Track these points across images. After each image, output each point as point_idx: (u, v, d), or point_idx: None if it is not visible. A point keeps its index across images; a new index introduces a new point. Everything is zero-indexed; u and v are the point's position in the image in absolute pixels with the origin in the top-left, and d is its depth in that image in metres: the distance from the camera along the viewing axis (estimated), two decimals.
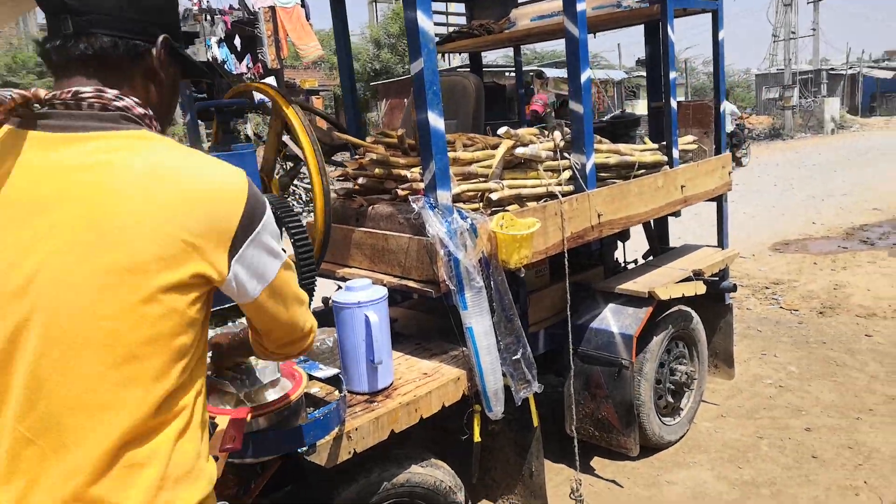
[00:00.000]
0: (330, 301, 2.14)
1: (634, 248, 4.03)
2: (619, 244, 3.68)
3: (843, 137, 21.10)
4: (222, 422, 1.50)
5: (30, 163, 0.94)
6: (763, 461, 3.17)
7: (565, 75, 2.78)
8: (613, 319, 2.92)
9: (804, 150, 18.96)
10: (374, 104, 20.55)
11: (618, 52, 28.31)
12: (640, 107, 17.88)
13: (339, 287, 2.12)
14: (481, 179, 2.37)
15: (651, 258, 3.77)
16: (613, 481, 3.07)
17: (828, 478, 2.98)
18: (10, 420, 0.92)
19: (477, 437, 2.16)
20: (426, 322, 2.66)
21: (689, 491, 2.97)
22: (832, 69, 30.46)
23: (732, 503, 2.87)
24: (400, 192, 2.26)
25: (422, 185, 2.20)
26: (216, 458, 1.28)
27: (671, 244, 3.98)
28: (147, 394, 0.95)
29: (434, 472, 2.12)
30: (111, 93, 0.98)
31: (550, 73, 15.84)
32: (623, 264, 3.86)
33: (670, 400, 3.26)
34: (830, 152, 17.64)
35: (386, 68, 21.93)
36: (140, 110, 1.00)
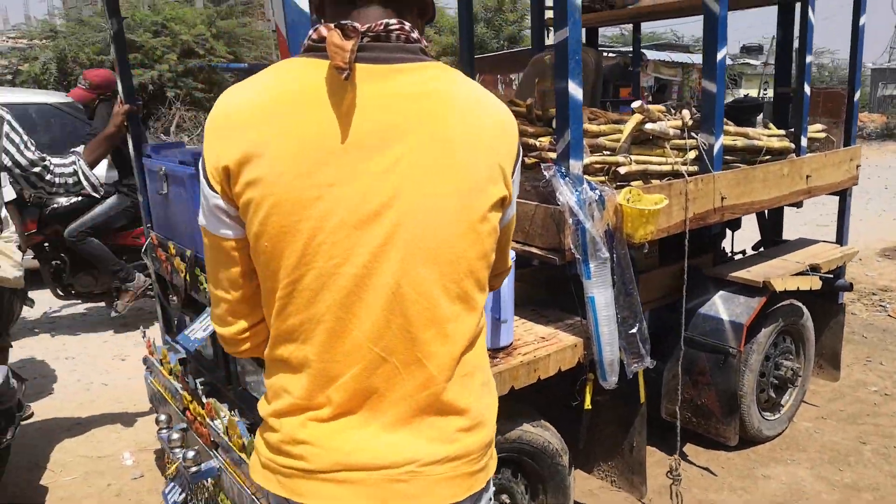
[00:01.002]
0: None
1: (742, 239, 3.93)
2: (728, 233, 3.60)
3: None
4: None
5: (367, 93, 0.96)
6: (865, 466, 3.07)
7: (665, 58, 2.73)
8: (723, 307, 2.88)
9: None
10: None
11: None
12: (742, 93, 17.10)
13: None
14: (607, 153, 2.38)
15: (762, 249, 3.66)
16: (707, 469, 3.04)
17: None
18: (364, 342, 0.99)
19: (588, 405, 2.21)
20: (534, 293, 2.70)
21: (786, 487, 2.92)
22: None
23: None
24: (527, 160, 2.29)
25: (551, 154, 2.23)
26: None
27: (784, 237, 3.85)
28: (477, 306, 1.06)
29: (543, 433, 2.18)
30: (407, 25, 1.00)
31: (650, 55, 15.40)
32: (730, 253, 3.77)
33: (772, 395, 3.19)
34: None
35: (481, 42, 21.81)
36: (425, 43, 1.04)
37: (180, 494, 2.35)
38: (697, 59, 21.87)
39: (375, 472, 1.01)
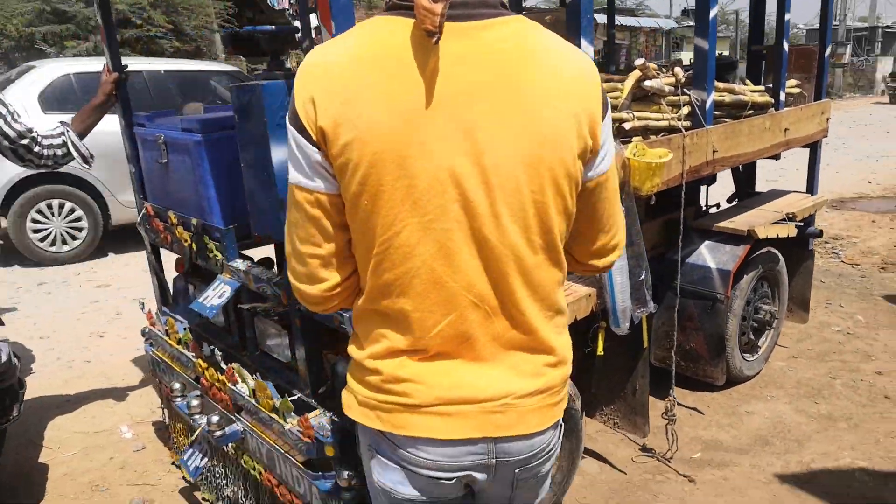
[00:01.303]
0: None
1: (715, 193, 4.09)
2: (702, 187, 3.75)
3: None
4: None
5: (453, 52, 0.99)
6: (838, 398, 3.30)
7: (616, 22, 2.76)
8: (710, 256, 3.03)
9: (854, 110, 18.50)
10: None
11: (668, 2, 27.50)
12: (686, 57, 17.46)
13: None
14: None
15: (736, 201, 3.83)
16: (695, 409, 3.22)
17: None
18: (458, 291, 1.05)
19: (600, 351, 2.31)
20: None
21: (769, 421, 3.12)
22: (888, 27, 29.28)
23: (812, 433, 3.01)
24: None
25: None
26: None
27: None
28: (559, 256, 1.11)
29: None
30: None
31: (599, 19, 15.50)
32: (704, 207, 3.93)
33: (751, 337, 3.38)
34: (882, 113, 17.20)
35: None
36: None
37: (202, 459, 2.36)
38: (644, 21, 22.13)
39: (474, 405, 1.09)
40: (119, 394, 3.55)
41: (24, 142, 2.50)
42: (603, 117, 1.09)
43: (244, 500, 2.36)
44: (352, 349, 1.18)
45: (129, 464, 2.95)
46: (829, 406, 3.24)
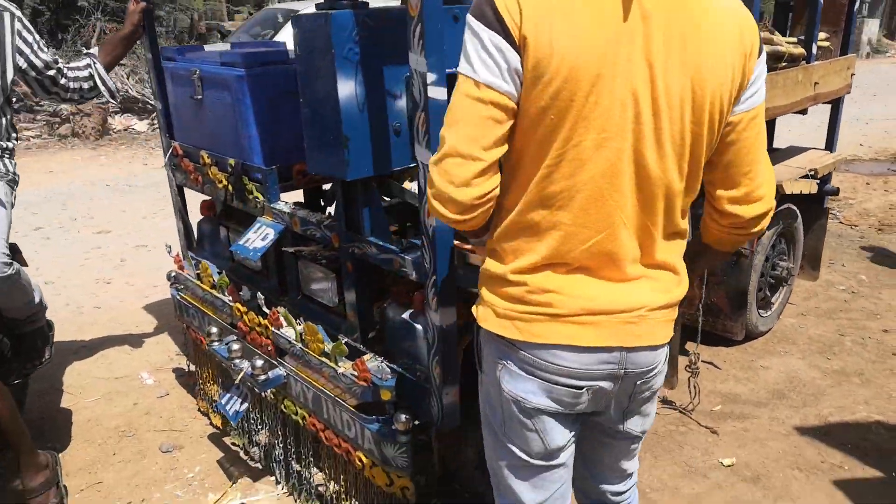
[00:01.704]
0: None
1: None
2: None
3: (877, 63, 20.58)
4: None
5: None
6: (848, 355, 3.38)
7: None
8: None
9: None
10: None
11: None
12: None
13: None
14: None
15: None
16: (712, 363, 3.28)
17: None
18: (613, 210, 1.12)
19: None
20: None
21: (784, 375, 3.19)
22: None
23: (826, 388, 3.09)
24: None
25: None
26: None
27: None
28: (694, 185, 1.19)
29: None
30: None
31: None
32: None
33: (767, 293, 3.43)
34: (868, 76, 17.28)
35: None
36: None
37: (241, 404, 2.35)
38: None
39: (613, 315, 1.17)
40: (134, 340, 3.50)
41: (51, 73, 2.39)
42: (759, 53, 1.14)
43: (280, 445, 2.36)
44: (491, 264, 1.23)
45: (153, 410, 2.92)
46: (840, 362, 3.31)
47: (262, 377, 2.16)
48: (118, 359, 3.32)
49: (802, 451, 2.65)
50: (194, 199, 2.86)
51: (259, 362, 2.17)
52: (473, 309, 1.29)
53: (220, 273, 2.46)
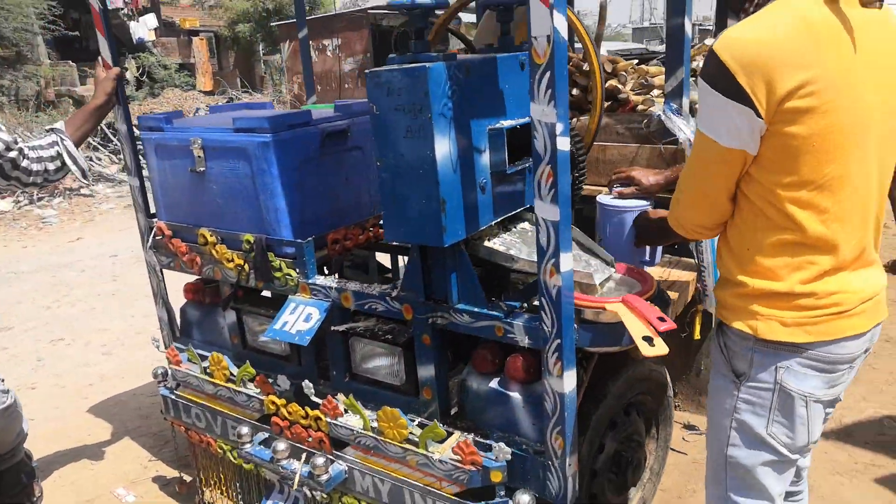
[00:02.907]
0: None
1: None
2: None
3: None
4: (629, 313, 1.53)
5: (856, 17, 1.23)
6: None
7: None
8: None
9: None
10: (278, 47, 19.37)
11: None
12: None
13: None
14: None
15: None
16: None
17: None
18: (868, 218, 1.33)
19: (697, 335, 2.30)
20: None
21: None
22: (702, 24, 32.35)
23: None
24: (639, 103, 2.29)
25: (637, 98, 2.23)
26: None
27: None
28: None
29: (661, 369, 2.24)
30: None
31: (466, 17, 15.83)
32: None
33: None
34: None
35: (278, 7, 20.72)
36: None
37: None
38: None
39: (870, 300, 1.36)
40: (92, 452, 3.02)
41: (11, 155, 2.02)
42: None
43: None
44: (765, 284, 1.34)
45: None
46: None
47: (325, 476, 1.90)
48: (81, 477, 2.83)
49: (834, 456, 2.73)
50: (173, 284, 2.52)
51: (320, 460, 1.90)
52: (740, 324, 1.39)
53: (244, 363, 2.16)
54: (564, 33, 1.35)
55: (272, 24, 20.24)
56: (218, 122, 2.17)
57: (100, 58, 2.23)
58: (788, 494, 1.68)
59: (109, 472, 2.88)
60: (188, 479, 2.66)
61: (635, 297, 1.55)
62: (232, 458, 2.27)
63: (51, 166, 2.14)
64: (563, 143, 1.40)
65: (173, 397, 2.40)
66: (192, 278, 2.53)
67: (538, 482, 1.69)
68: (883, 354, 3.56)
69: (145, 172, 2.36)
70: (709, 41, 2.54)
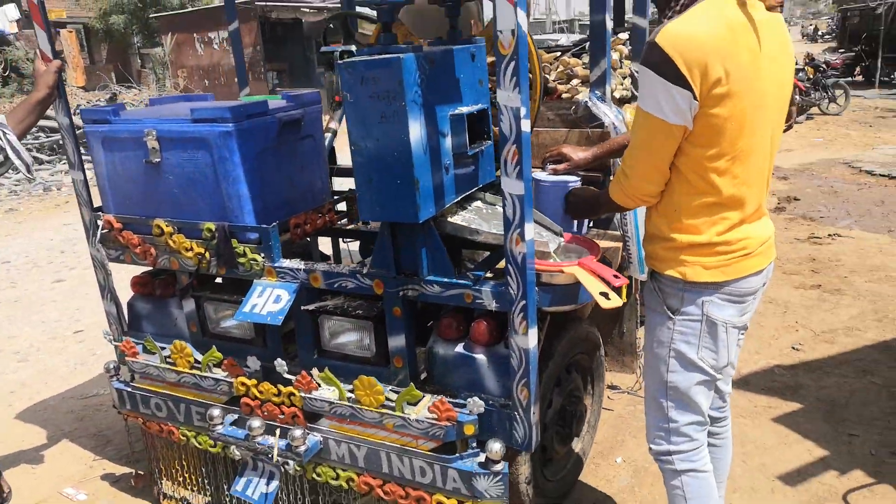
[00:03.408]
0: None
1: None
2: None
3: None
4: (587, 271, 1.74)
5: (758, 18, 1.51)
6: None
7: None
8: None
9: None
10: (158, 40, 18.47)
11: None
12: None
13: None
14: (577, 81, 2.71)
15: None
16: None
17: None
18: (765, 177, 1.63)
19: (624, 298, 2.56)
20: None
21: None
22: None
23: None
24: (564, 92, 2.51)
25: (562, 87, 2.47)
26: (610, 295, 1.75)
27: None
28: None
29: (594, 331, 2.50)
30: None
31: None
32: None
33: None
34: None
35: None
36: None
37: (269, 484, 2.13)
38: None
39: (765, 243, 1.68)
40: (30, 456, 2.93)
41: None
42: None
43: None
44: (689, 238, 1.62)
45: None
46: None
47: (303, 448, 2.01)
48: (24, 482, 2.75)
49: (736, 402, 3.11)
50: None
51: (297, 432, 2.01)
52: (671, 272, 1.66)
53: (211, 349, 2.21)
54: (526, 27, 1.54)
55: (150, 16, 19.31)
56: (169, 113, 2.20)
57: (38, 50, 2.20)
58: (716, 420, 1.97)
59: (53, 474, 2.81)
60: (142, 473, 2.66)
61: (590, 259, 1.77)
62: (197, 444, 2.31)
63: None
64: (526, 126, 1.59)
65: (129, 390, 2.40)
66: (137, 272, 2.54)
67: (505, 432, 1.88)
68: (768, 314, 4.05)
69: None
70: (622, 34, 2.83)
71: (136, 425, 2.54)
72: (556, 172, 2.13)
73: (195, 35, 16.84)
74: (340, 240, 3.00)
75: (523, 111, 1.56)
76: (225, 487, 2.38)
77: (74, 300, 4.97)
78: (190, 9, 19.25)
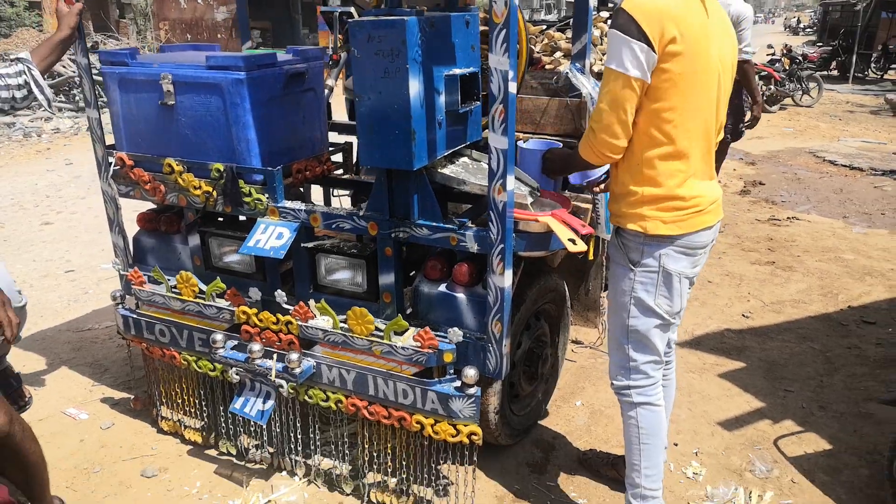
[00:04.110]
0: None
1: None
2: None
3: None
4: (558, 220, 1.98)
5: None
6: None
7: None
8: None
9: None
10: None
11: None
12: None
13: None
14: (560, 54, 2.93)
15: None
16: None
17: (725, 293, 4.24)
18: (711, 135, 1.89)
19: (591, 256, 2.82)
20: None
21: None
22: None
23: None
24: (548, 63, 2.73)
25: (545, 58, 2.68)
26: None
27: None
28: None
29: (561, 283, 2.75)
30: None
31: None
32: None
33: None
34: None
35: None
36: None
37: (265, 402, 2.36)
38: None
39: (714, 202, 1.94)
40: (30, 380, 3.11)
41: None
42: None
43: (294, 437, 2.44)
44: (648, 190, 1.86)
45: (107, 442, 2.70)
46: None
47: (298, 370, 2.24)
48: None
49: (687, 359, 3.41)
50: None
51: (294, 356, 2.23)
52: (632, 225, 1.90)
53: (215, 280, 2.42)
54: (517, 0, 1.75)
55: None
56: (184, 59, 2.37)
57: None
58: (672, 342, 2.27)
59: (54, 396, 3.00)
60: (140, 396, 2.87)
61: (562, 211, 2.01)
62: (197, 368, 2.52)
63: (17, 94, 2.25)
64: (513, 87, 1.81)
65: (134, 317, 2.60)
66: (144, 208, 2.72)
67: (479, 361, 2.13)
68: (723, 284, 4.36)
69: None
70: (603, 13, 3.05)
71: (137, 352, 2.75)
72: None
73: None
74: (331, 190, 3.20)
75: (511, 74, 1.78)
76: (221, 409, 2.60)
77: (63, 242, 5.10)
78: None
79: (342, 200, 3.36)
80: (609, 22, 1.81)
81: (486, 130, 2.27)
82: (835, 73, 17.38)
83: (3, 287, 2.05)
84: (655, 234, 1.88)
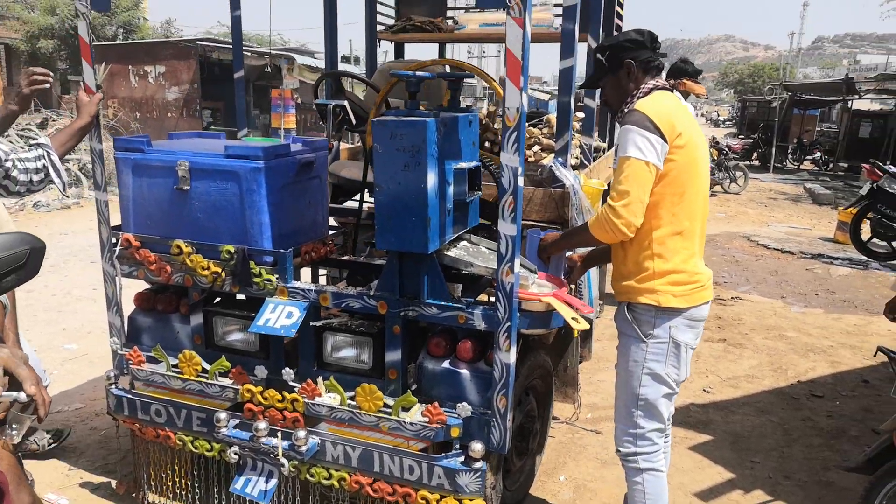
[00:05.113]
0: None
1: None
2: None
3: None
4: (556, 300, 2.15)
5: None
6: None
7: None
8: None
9: None
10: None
11: None
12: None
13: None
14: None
15: None
16: None
17: None
18: (704, 215, 2.18)
19: (576, 335, 2.99)
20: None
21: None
22: None
23: None
24: (529, 157, 2.98)
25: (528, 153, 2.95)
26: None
27: None
28: None
29: (548, 359, 2.91)
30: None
31: (300, 59, 16.21)
32: None
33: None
34: None
35: (91, 27, 19.52)
36: None
37: (268, 482, 2.37)
38: None
39: (710, 279, 2.22)
40: None
41: (7, 165, 2.20)
42: None
43: None
44: (659, 264, 2.12)
45: None
46: None
47: (304, 447, 2.28)
48: None
49: None
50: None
51: (301, 433, 2.28)
52: (645, 299, 2.13)
53: (221, 358, 2.46)
54: (526, 106, 1.98)
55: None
56: (200, 147, 2.50)
57: (83, 82, 2.46)
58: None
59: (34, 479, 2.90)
60: (125, 479, 2.81)
61: (562, 291, 2.19)
62: (192, 448, 2.52)
63: (35, 178, 2.32)
64: (521, 181, 2.02)
65: (129, 396, 2.60)
66: (141, 288, 2.76)
67: (483, 435, 2.23)
68: None
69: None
70: (580, 114, 3.37)
71: (112, 435, 2.71)
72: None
73: (130, 67, 16.74)
74: (319, 269, 3.31)
75: (520, 170, 1.99)
76: (215, 491, 2.59)
77: (22, 321, 4.94)
78: (129, 41, 19.13)
79: (329, 279, 3.47)
80: (620, 120, 2.17)
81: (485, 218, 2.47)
82: (756, 163, 18.77)
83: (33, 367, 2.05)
84: (668, 306, 2.11)
